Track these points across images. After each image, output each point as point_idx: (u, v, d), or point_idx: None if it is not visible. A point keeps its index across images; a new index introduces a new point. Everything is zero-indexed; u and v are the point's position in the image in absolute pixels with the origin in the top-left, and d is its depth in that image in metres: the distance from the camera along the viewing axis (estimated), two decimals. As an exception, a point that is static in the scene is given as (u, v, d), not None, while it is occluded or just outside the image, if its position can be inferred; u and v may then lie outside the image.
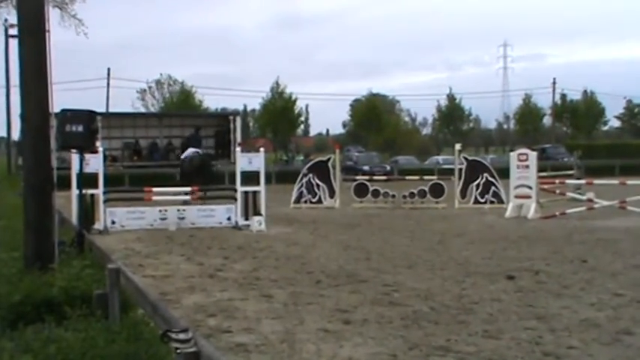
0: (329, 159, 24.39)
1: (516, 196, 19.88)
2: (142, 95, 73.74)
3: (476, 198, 22.74)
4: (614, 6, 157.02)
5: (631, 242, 13.96)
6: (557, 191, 20.88)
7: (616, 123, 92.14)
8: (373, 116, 76.97)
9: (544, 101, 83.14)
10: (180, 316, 7.36)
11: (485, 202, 22.48)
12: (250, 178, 18.27)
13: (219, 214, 18.01)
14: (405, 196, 23.51)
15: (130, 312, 6.55)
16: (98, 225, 16.95)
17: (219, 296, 9.13)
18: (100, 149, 17.28)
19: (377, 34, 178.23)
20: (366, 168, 43.36)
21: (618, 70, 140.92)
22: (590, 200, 20.36)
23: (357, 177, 27.44)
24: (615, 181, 23.01)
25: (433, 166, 48.04)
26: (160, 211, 17.74)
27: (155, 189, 18.35)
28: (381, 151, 68.64)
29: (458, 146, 24.28)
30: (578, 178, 25.14)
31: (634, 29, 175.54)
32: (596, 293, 9.04)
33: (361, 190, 23.85)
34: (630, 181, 21.80)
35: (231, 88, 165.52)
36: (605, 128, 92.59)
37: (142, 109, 70.39)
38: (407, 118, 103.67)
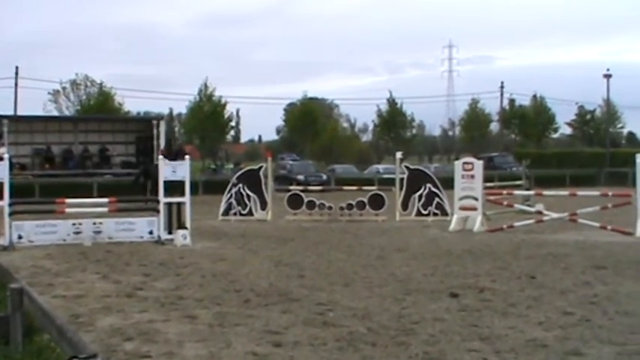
0: (261, 167, 24.34)
1: (461, 208, 20.12)
2: (54, 97, 72.36)
3: (418, 210, 22.96)
4: (563, 8, 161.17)
5: (581, 257, 14.25)
6: (505, 203, 21.20)
7: (567, 130, 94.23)
8: (309, 122, 77.11)
9: (491, 106, 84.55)
10: (91, 340, 7.22)
11: (428, 215, 22.71)
12: (174, 188, 18.08)
13: (139, 227, 17.76)
14: (342, 208, 23.59)
15: (34, 337, 6.38)
16: (2, 240, 16.53)
17: (138, 317, 8.99)
18: (6, 156, 16.88)
19: (313, 34, 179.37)
20: (300, 177, 43.49)
21: (569, 74, 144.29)
22: (539, 212, 20.74)
23: (291, 187, 27.46)
24: (566, 192, 23.51)
25: (373, 175, 48.56)
26: (74, 224, 17.39)
27: (69, 200, 18.01)
28: (317, 159, 68.88)
29: (399, 154, 24.49)
30: (527, 189, 25.63)
31: (585, 32, 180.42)
32: (544, 312, 9.17)
33: (295, 202, 23.85)
34: (581, 192, 22.32)
35: (156, 91, 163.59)
36: (556, 136, 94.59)
37: (55, 113, 69.09)
38: (345, 124, 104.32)
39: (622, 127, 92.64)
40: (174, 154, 35.07)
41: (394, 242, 17.35)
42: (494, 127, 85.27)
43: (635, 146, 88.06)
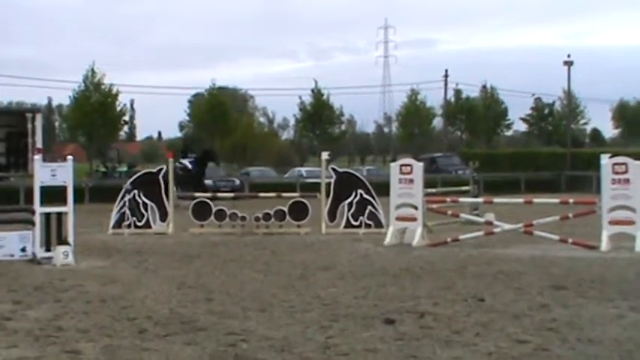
0: (160, 170, 24.14)
1: (398, 219, 20.27)
2: None
3: (348, 220, 23.06)
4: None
5: (538, 276, 14.49)
6: (449, 212, 21.43)
7: (522, 126, 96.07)
8: (218, 116, 76.91)
9: (434, 98, 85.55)
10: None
11: (359, 226, 22.83)
12: (54, 195, 17.81)
13: (10, 243, 17.39)
14: (258, 219, 23.55)
15: None
16: None
17: (5, 354, 8.81)
18: None
19: (222, 11, 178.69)
20: (208, 182, 43.27)
21: (523, 61, 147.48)
22: (489, 223, 21.02)
23: (197, 194, 27.29)
24: (520, 200, 23.91)
25: (295, 179, 48.65)
26: None
27: None
28: (229, 160, 68.85)
29: (325, 155, 24.57)
30: (475, 196, 26.02)
31: (542, 11, 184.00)
32: (494, 340, 9.29)
33: (202, 211, 23.72)
34: (538, 199, 22.70)
35: (31, 77, 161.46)
36: (509, 133, 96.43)
37: None
38: (262, 119, 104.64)
39: (585, 124, 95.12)
40: (201, 156, 35.88)
41: (320, 259, 17.40)
42: (438, 122, 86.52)
43: (600, 145, 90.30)
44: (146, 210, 23.51)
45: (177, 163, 33.13)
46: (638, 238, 17.80)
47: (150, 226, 23.38)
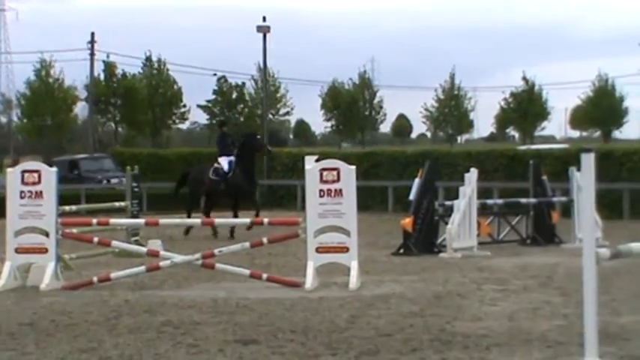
0: None
1: (20, 250, 19.86)
2: None
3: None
4: None
5: (220, 326, 14.72)
6: (97, 239, 21.28)
7: (203, 117, 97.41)
8: None
9: (76, 74, 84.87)
10: None
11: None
12: None
13: None
14: None
15: None
16: None
17: None
18: None
19: None
20: None
21: (205, 24, 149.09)
22: (154, 254, 21.04)
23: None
24: (197, 220, 24.11)
25: None
26: None
27: None
28: None
29: None
30: (135, 215, 25.97)
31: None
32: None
33: None
34: (222, 220, 22.97)
35: None
36: (185, 126, 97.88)
37: None
38: None
39: (288, 113, 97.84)
40: (241, 147, 31.14)
41: None
42: (82, 109, 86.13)
43: (309, 143, 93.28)
44: None
45: (215, 165, 32.26)
46: (354, 271, 18.40)
47: None
